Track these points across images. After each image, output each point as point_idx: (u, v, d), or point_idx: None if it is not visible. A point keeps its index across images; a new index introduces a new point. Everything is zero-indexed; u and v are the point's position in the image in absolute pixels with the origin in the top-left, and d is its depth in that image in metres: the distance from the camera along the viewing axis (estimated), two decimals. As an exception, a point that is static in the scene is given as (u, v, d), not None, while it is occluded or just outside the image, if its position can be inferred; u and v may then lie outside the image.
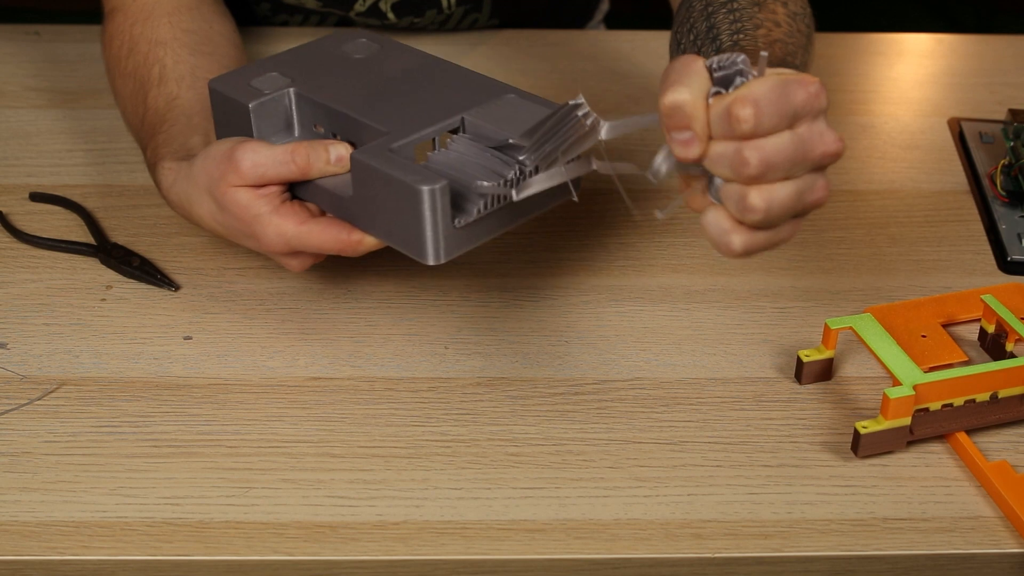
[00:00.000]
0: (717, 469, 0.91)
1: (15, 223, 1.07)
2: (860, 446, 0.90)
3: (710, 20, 0.99)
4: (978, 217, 1.13)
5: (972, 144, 1.20)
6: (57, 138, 1.17)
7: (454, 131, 0.91)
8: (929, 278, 1.07)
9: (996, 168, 1.15)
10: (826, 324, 0.96)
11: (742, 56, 0.78)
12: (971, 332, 1.02)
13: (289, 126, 0.95)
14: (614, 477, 0.90)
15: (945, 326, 1.01)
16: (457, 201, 0.87)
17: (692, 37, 1.00)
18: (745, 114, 0.76)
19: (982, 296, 1.00)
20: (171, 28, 1.09)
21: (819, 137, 0.78)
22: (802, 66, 0.97)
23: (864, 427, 0.90)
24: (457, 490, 0.88)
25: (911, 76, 1.33)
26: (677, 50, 1.02)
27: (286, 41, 1.29)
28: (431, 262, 0.86)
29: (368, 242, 0.91)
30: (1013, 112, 1.20)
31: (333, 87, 0.94)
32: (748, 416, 0.94)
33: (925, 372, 0.92)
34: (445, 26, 1.30)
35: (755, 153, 0.77)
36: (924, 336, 0.99)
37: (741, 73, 0.77)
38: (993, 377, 0.92)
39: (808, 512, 0.88)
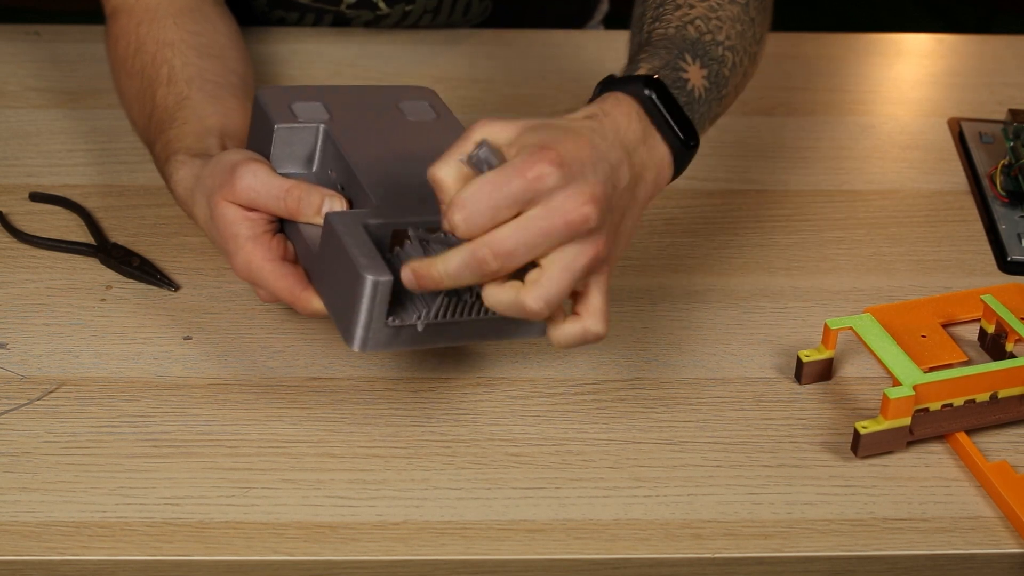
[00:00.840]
0: (717, 469, 0.91)
1: (15, 223, 1.07)
2: (860, 446, 0.90)
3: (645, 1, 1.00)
4: (978, 217, 1.13)
5: (972, 144, 1.20)
6: (57, 138, 1.17)
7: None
8: (929, 278, 1.07)
9: (996, 168, 1.15)
10: (826, 324, 0.96)
11: (484, 147, 0.81)
12: (971, 332, 1.02)
13: (310, 160, 0.95)
14: (614, 477, 0.90)
15: (945, 326, 1.01)
16: (404, 301, 0.85)
17: (636, 15, 1.01)
18: (456, 220, 0.79)
19: (982, 296, 1.00)
20: (177, 30, 1.09)
21: (556, 213, 0.80)
22: (727, 39, 0.97)
23: (864, 427, 0.90)
24: (457, 490, 0.88)
25: (911, 76, 1.33)
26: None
27: (286, 42, 1.29)
28: (355, 348, 0.85)
29: (316, 305, 0.90)
30: (1013, 112, 1.20)
31: (362, 139, 0.94)
32: (748, 416, 0.94)
33: (925, 372, 0.92)
34: (438, 17, 1.30)
35: (486, 249, 0.80)
36: (924, 336, 0.99)
37: (487, 162, 0.80)
38: (993, 377, 0.92)
39: (808, 512, 0.88)
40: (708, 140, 1.20)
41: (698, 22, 0.96)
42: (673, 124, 0.88)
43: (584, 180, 0.81)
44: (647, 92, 0.88)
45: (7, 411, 0.92)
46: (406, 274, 0.82)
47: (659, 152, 0.88)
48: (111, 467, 0.89)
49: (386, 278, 0.82)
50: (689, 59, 0.93)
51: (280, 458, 0.90)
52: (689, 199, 1.13)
